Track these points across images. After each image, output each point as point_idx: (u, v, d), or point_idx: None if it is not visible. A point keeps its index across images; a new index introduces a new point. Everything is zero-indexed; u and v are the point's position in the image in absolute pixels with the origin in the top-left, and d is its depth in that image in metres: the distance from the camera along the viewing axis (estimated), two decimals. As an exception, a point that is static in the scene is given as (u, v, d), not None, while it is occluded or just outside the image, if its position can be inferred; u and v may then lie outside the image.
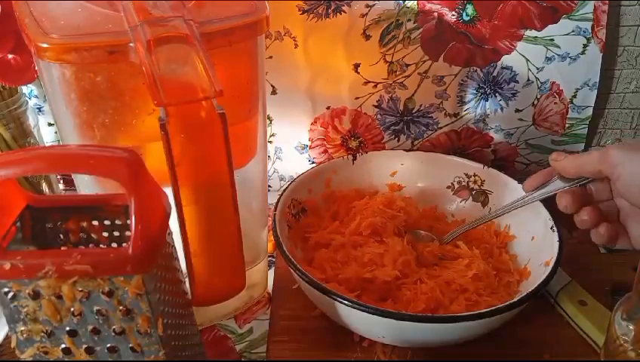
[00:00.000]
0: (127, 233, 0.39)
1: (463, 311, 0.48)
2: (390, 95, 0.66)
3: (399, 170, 0.65)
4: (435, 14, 0.62)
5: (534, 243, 0.55)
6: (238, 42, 0.40)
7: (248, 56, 0.44)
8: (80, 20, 0.38)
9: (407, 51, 0.64)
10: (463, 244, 0.56)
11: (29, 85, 0.65)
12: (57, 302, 0.32)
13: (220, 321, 0.54)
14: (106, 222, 0.38)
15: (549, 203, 0.53)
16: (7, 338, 0.49)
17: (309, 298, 0.50)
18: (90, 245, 0.39)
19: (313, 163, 0.71)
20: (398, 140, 0.70)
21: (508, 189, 0.60)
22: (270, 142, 0.69)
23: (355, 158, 0.64)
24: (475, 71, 0.65)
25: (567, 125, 0.68)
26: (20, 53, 0.51)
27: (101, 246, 0.39)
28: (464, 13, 0.61)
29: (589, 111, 0.67)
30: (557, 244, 0.50)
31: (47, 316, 0.33)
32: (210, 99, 0.35)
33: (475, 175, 0.63)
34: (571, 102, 0.66)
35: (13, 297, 0.32)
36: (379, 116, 0.68)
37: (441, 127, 0.69)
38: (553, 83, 0.65)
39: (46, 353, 0.34)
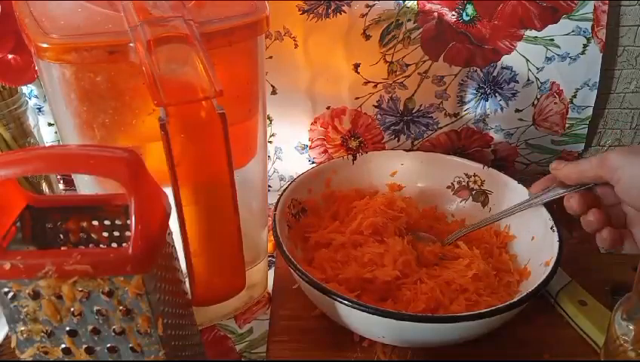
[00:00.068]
0: (127, 233, 0.39)
1: (463, 311, 0.48)
2: (390, 95, 0.66)
3: (399, 170, 0.65)
4: (435, 14, 0.62)
5: (534, 243, 0.55)
6: (238, 42, 0.40)
7: (248, 56, 0.44)
8: (80, 20, 0.38)
9: (407, 51, 0.64)
10: (463, 244, 0.56)
11: (29, 85, 0.65)
12: (57, 302, 0.32)
13: (220, 321, 0.54)
14: (106, 222, 0.38)
15: (549, 203, 0.53)
16: (7, 338, 0.49)
17: (309, 298, 0.50)
18: (90, 245, 0.39)
19: (313, 163, 0.71)
20: (398, 140, 0.70)
21: (508, 189, 0.60)
22: (270, 142, 0.69)
23: (355, 158, 0.64)
24: (475, 71, 0.65)
25: (567, 125, 0.68)
26: (20, 53, 0.51)
27: (101, 246, 0.39)
28: (464, 13, 0.61)
29: (589, 112, 0.67)
30: (557, 244, 0.50)
31: (47, 316, 0.33)
32: (210, 99, 0.35)
33: (475, 175, 0.63)
34: (571, 102, 0.66)
35: (13, 297, 0.32)
36: (379, 116, 0.68)
37: (441, 127, 0.69)
38: (553, 83, 0.65)
39: (46, 353, 0.34)
